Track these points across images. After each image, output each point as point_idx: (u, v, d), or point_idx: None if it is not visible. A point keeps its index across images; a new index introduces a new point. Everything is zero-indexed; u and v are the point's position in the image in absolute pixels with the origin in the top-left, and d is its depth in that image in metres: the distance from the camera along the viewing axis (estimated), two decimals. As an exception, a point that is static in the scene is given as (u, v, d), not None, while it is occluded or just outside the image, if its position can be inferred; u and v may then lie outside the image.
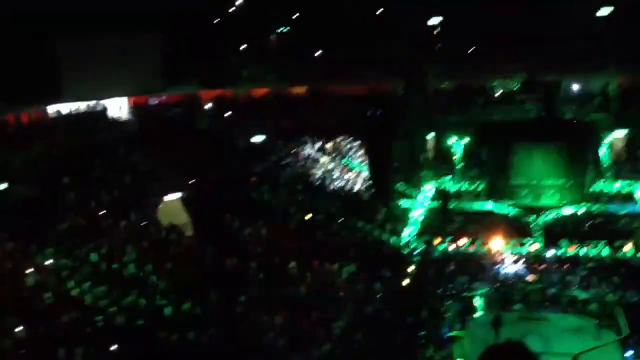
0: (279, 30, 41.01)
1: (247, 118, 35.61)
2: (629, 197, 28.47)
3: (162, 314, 21.24)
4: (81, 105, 34.15)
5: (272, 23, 40.36)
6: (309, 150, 33.29)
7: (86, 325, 19.89)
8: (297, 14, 40.83)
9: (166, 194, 29.05)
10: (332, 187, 30.97)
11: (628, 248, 24.62)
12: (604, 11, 36.30)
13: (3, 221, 23.47)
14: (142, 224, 26.77)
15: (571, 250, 25.06)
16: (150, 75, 34.27)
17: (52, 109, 33.08)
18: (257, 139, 34.20)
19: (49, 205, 25.38)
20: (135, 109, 35.70)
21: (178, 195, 29.31)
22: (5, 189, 25.18)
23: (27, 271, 21.42)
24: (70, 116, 33.54)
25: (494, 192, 30.16)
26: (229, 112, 35.97)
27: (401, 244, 26.85)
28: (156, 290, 22.77)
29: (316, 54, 38.96)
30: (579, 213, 27.96)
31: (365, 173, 31.74)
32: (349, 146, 33.80)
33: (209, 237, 26.97)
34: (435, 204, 29.78)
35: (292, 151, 33.19)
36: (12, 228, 23.29)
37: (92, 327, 19.90)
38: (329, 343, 20.43)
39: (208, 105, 36.95)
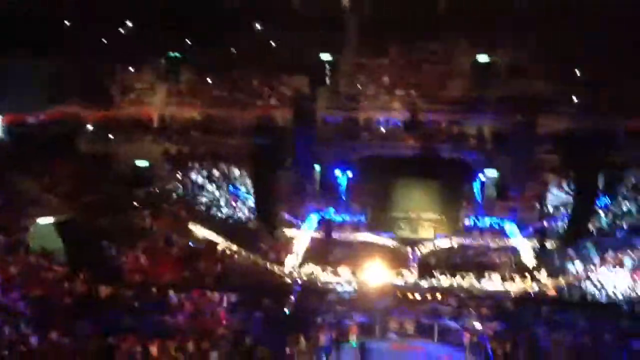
0: (170, 55, 40.46)
1: (132, 141, 34.78)
2: (498, 232, 30.23)
3: (28, 344, 20.10)
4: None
5: (162, 47, 39.77)
6: (195, 176, 32.90)
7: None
8: (189, 39, 40.54)
9: (39, 217, 27.72)
10: (217, 214, 30.74)
11: (496, 280, 26.04)
12: (483, 58, 38.78)
13: None
14: (11, 248, 25.39)
15: (444, 281, 26.15)
16: (29, 93, 32.63)
17: None
18: (142, 162, 33.43)
19: None
20: (10, 127, 33.88)
21: (51, 219, 28.05)
22: None
23: None
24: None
25: (375, 224, 31.11)
26: (113, 134, 34.94)
27: (284, 272, 26.98)
28: (22, 318, 21.56)
29: (209, 80, 38.76)
30: (452, 246, 29.34)
31: (251, 202, 31.77)
32: (236, 174, 33.71)
33: (83, 264, 25.94)
34: (319, 234, 30.26)
35: (178, 177, 32.66)
36: None
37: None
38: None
39: (90, 126, 35.70)
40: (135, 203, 30.27)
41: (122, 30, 40.70)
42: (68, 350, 20.23)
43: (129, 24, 40.91)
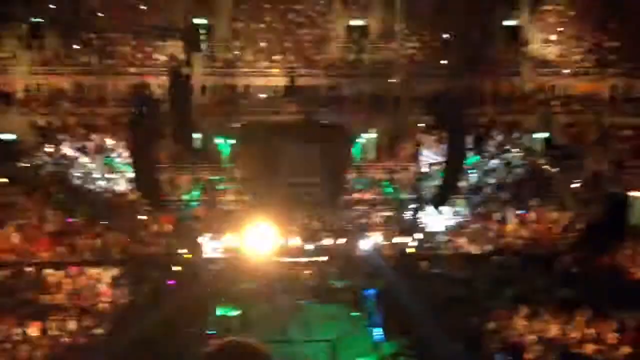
0: (31, 20, 37.97)
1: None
2: (377, 193, 31.38)
3: None
4: None
5: (24, 12, 37.25)
6: (67, 148, 31.38)
7: None
8: (52, 3, 38.26)
9: None
10: (93, 187, 29.59)
11: (377, 239, 27.14)
12: (357, 22, 39.55)
13: None
14: None
15: (328, 243, 26.90)
16: None
17: None
18: (7, 136, 31.41)
19: None
20: None
21: None
22: None
23: None
24: None
25: (258, 190, 31.24)
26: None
27: (168, 243, 26.59)
28: None
29: (76, 46, 36.81)
30: (334, 208, 30.13)
31: (130, 173, 30.83)
32: (112, 145, 32.51)
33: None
34: (202, 202, 30.04)
35: (49, 151, 31.01)
36: None
37: None
38: (90, 352, 19.63)
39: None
40: (3, 179, 28.45)
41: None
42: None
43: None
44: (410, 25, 39.37)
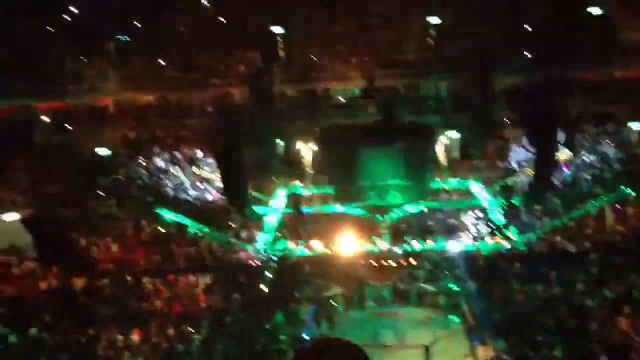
0: (118, 38, 39.65)
1: (90, 130, 34.18)
2: (465, 193, 30.74)
3: (7, 343, 19.82)
4: None
5: (111, 31, 38.93)
6: (158, 160, 32.43)
7: None
8: (138, 23, 39.81)
9: (3, 214, 27.12)
10: (184, 197, 30.44)
11: (467, 240, 26.61)
12: (434, 20, 39.10)
13: None
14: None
15: (416, 246, 26.60)
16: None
17: None
18: (102, 151, 32.84)
19: None
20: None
21: (17, 215, 27.45)
22: None
23: None
24: None
25: (343, 195, 31.25)
26: (69, 125, 34.21)
27: (257, 250, 27.02)
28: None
29: (162, 63, 38.17)
30: (421, 210, 29.71)
31: (218, 182, 31.55)
32: (199, 155, 33.38)
33: (54, 258, 25.55)
34: (289, 209, 30.31)
35: (141, 163, 32.16)
36: None
37: None
38: (189, 358, 20.19)
39: (45, 118, 34.86)
40: (100, 192, 29.73)
41: (67, 17, 39.70)
42: (49, 346, 20.03)
43: (74, 10, 39.90)
44: (489, 17, 38.63)
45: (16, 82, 34.38)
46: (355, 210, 30.34)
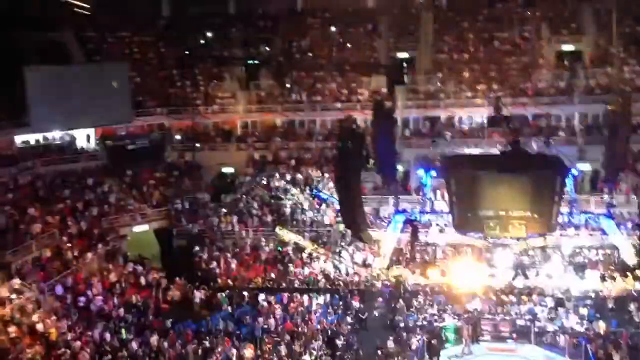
0: (249, 62, 41.28)
1: (216, 149, 35.72)
2: (594, 229, 28.88)
3: (128, 349, 20.85)
4: (49, 135, 33.67)
5: (241, 54, 40.65)
6: (279, 181, 33.23)
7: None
8: (265, 46, 41.38)
9: (135, 225, 28.82)
10: (302, 218, 30.90)
11: (594, 279, 24.98)
12: (568, 47, 37.60)
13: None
14: (110, 256, 26.44)
15: (538, 282, 25.31)
16: (118, 105, 33.85)
17: (19, 139, 32.51)
18: (227, 169, 34.15)
19: (15, 235, 24.84)
20: (103, 139, 35.35)
21: (146, 226, 29.09)
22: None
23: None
24: (37, 146, 33.04)
25: (463, 224, 30.31)
26: (198, 143, 35.92)
27: (372, 275, 26.83)
28: (123, 324, 22.40)
29: (287, 85, 39.28)
30: (546, 244, 28.25)
31: (336, 204, 31.72)
32: (319, 177, 33.82)
33: (178, 269, 26.76)
34: (405, 235, 29.87)
35: (263, 182, 33.11)
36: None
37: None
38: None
39: (177, 136, 36.85)
40: (223, 209, 30.91)
41: (203, 41, 41.97)
42: (167, 354, 20.86)
43: (209, 34, 42.10)
44: (628, 47, 36.64)
45: (147, 101, 36.68)
46: (475, 239, 29.35)
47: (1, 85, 30.29)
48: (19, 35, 32.31)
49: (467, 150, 32.55)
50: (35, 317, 21.02)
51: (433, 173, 30.90)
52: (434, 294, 25.25)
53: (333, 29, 42.20)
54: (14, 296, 21.72)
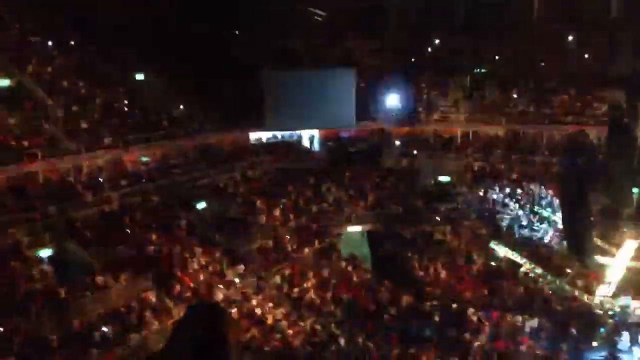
0: (475, 71, 40.53)
1: (434, 157, 35.43)
2: None
3: (336, 343, 21.34)
4: (278, 134, 36.00)
5: (469, 65, 40.02)
6: (497, 194, 31.94)
7: (264, 343, 20.61)
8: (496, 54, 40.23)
9: (349, 225, 29.57)
10: (519, 234, 29.35)
11: None
12: None
13: (197, 236, 25.24)
14: (324, 253, 27.41)
15: None
16: (343, 109, 35.24)
17: (253, 136, 35.17)
18: (444, 178, 33.67)
19: (243, 224, 26.87)
20: (326, 140, 36.94)
21: (360, 227, 29.69)
22: (204, 208, 27.02)
23: (217, 286, 22.69)
24: (268, 144, 35.47)
25: None
26: (417, 150, 35.91)
27: (593, 302, 24.64)
28: (332, 318, 23.03)
29: (514, 95, 37.83)
30: None
31: (558, 223, 29.71)
32: (541, 193, 31.91)
33: (387, 272, 26.89)
34: (637, 263, 27.04)
35: (479, 194, 32.08)
36: (204, 243, 24.95)
37: (267, 345, 20.55)
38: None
39: (397, 142, 37.18)
40: (437, 217, 30.50)
41: (429, 49, 42.05)
42: (371, 355, 20.99)
43: (436, 41, 42.05)
44: None
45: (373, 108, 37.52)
46: None
47: (240, 87, 33.15)
48: (259, 43, 35.31)
49: None
50: (254, 302, 22.48)
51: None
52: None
53: (570, 38, 39.87)
54: (237, 280, 23.47)
